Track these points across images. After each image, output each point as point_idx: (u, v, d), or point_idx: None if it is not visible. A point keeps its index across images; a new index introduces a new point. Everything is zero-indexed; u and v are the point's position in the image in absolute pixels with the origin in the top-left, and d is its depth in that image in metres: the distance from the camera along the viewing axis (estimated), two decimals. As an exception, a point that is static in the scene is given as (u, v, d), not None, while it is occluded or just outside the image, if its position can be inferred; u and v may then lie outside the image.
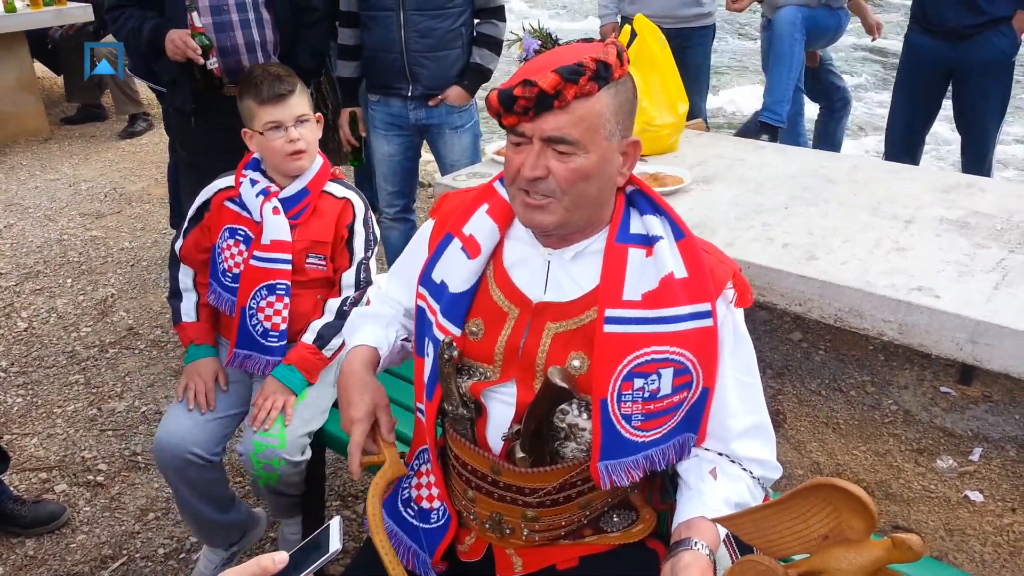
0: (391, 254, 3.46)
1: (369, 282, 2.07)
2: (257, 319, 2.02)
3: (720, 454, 1.30)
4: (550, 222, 1.23)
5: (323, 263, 2.07)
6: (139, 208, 4.74)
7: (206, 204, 2.11)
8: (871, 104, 7.52)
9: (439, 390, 1.32)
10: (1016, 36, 3.40)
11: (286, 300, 2.02)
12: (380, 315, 1.54)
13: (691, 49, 3.84)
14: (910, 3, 3.67)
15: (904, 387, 2.96)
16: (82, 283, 3.92)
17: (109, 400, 3.05)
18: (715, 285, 1.26)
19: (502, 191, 1.34)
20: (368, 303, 1.70)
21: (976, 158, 3.56)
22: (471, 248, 1.31)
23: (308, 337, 2.01)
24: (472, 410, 1.30)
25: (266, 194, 2.03)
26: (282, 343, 2.02)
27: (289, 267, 2.01)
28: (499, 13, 3.01)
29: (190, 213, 2.13)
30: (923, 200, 2.37)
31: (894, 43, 6.97)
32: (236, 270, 2.04)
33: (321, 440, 2.05)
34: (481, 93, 3.28)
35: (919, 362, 3.05)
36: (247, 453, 1.93)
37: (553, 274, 1.29)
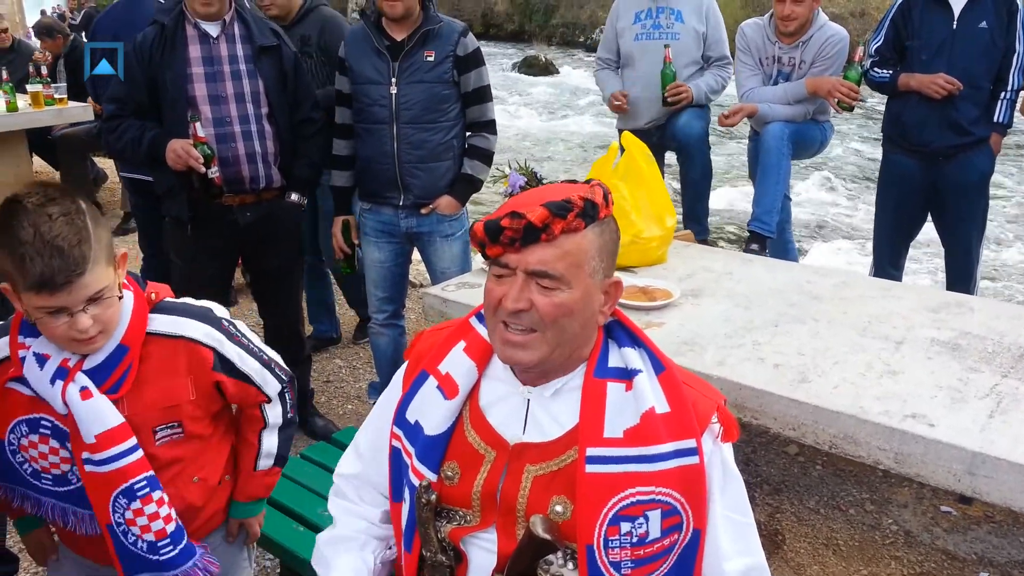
0: (380, 360, 3.41)
1: (283, 380, 1.69)
2: (133, 534, 1.52)
3: (716, 602, 1.23)
4: (531, 359, 1.20)
5: (178, 431, 1.58)
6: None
7: None
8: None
9: (418, 538, 1.26)
10: (993, 156, 3.48)
11: (156, 495, 1.52)
12: (351, 537, 1.41)
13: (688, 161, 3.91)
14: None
15: (904, 505, 2.88)
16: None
17: None
18: (699, 420, 1.22)
19: (479, 328, 1.31)
20: (332, 507, 1.46)
21: (962, 276, 3.58)
22: (448, 387, 1.28)
23: (265, 464, 1.72)
24: (451, 557, 1.24)
25: (65, 375, 1.45)
26: (181, 544, 1.56)
27: (140, 455, 1.51)
28: (490, 127, 3.07)
29: None
30: (913, 320, 2.36)
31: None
32: (56, 471, 1.54)
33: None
34: (471, 207, 3.32)
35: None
36: None
37: (532, 412, 1.25)
